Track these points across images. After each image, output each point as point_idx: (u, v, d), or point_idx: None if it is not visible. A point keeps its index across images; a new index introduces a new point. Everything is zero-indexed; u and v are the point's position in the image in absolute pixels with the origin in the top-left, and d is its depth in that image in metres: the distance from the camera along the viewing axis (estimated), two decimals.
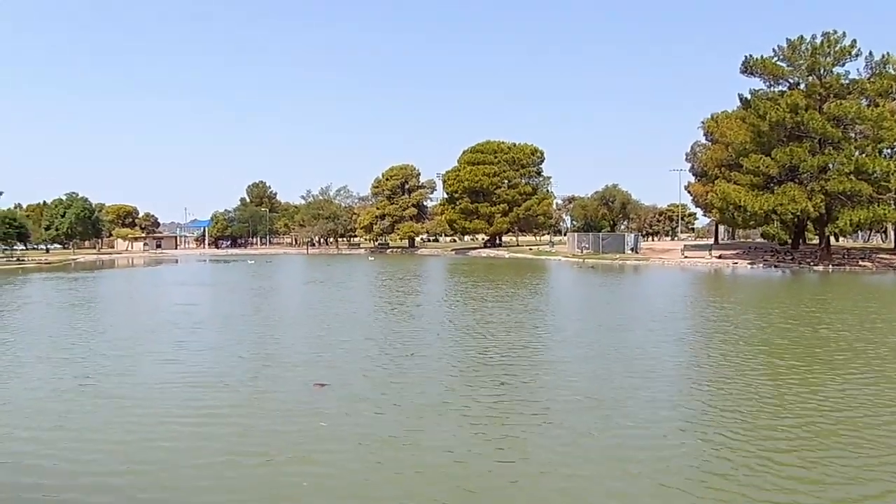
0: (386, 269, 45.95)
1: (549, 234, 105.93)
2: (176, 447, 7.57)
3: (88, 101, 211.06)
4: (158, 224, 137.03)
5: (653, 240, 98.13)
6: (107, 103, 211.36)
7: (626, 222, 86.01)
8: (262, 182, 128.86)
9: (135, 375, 11.39)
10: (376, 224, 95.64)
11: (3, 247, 71.54)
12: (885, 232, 71.53)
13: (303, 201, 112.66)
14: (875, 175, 44.91)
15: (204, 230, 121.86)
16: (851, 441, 7.72)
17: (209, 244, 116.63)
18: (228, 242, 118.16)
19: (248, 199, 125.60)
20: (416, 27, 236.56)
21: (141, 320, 19.17)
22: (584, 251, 65.71)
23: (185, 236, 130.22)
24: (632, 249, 64.14)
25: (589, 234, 72.02)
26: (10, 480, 6.63)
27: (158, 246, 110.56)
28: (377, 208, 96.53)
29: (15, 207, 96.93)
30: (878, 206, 45.71)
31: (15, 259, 67.46)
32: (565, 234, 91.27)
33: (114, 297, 27.89)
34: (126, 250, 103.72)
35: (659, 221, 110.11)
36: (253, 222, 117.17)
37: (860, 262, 50.37)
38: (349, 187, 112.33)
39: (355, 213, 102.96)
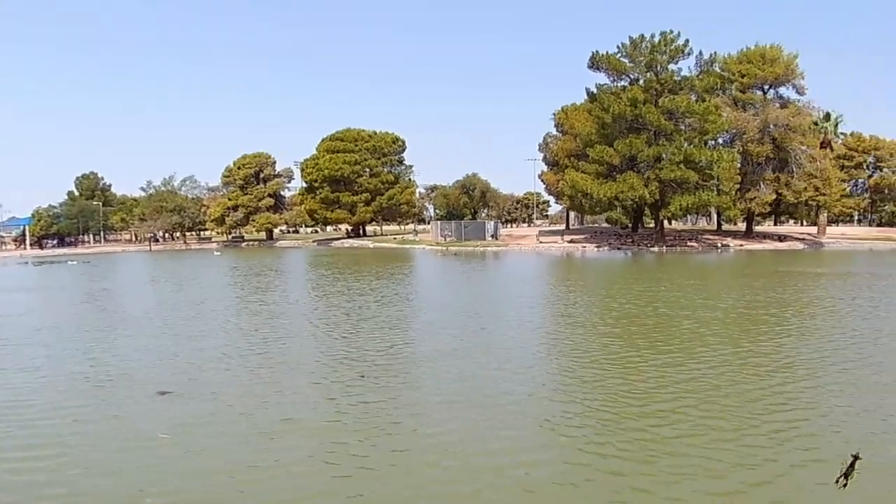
0: (239, 265, 44.34)
1: (412, 222, 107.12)
2: None
3: None
4: None
5: (511, 226, 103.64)
6: None
7: (486, 210, 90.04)
8: (93, 173, 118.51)
9: None
10: (228, 216, 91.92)
11: None
12: (709, 215, 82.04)
13: (143, 193, 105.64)
14: (701, 164, 51.36)
15: (24, 229, 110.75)
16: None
17: (31, 244, 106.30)
18: (55, 241, 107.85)
19: (77, 193, 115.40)
20: (271, 10, 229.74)
21: None
22: (447, 239, 68.46)
23: (1, 236, 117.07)
24: (492, 236, 67.76)
25: (451, 222, 74.65)
26: None
27: None
28: (229, 199, 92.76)
29: None
30: (703, 192, 52.46)
31: None
32: (429, 223, 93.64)
33: None
34: None
35: (516, 209, 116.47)
36: (83, 218, 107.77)
37: (689, 243, 57.86)
38: (196, 177, 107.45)
39: (204, 205, 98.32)
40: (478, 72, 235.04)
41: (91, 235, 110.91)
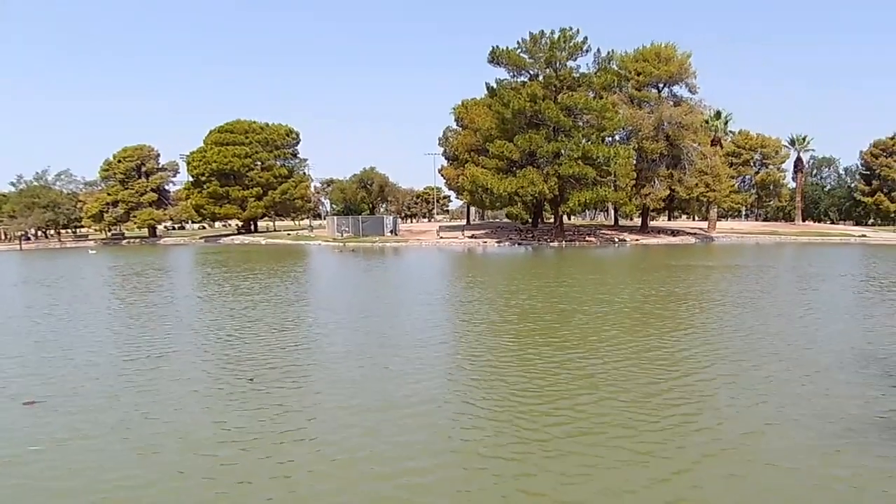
0: (118, 263, 40.84)
1: (307, 218, 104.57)
2: None
3: None
4: None
5: (411, 222, 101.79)
6: None
7: (384, 205, 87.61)
8: None
9: None
10: (107, 212, 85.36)
11: None
12: (606, 210, 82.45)
13: (13, 188, 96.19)
14: (598, 160, 51.32)
15: None
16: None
17: None
18: None
19: None
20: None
21: None
22: (345, 234, 66.33)
23: None
24: (391, 231, 66.23)
25: (349, 217, 72.44)
26: None
27: None
28: (108, 194, 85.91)
29: None
30: (601, 187, 52.39)
31: None
32: (325, 218, 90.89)
33: None
34: None
35: (416, 203, 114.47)
36: None
37: (587, 238, 57.41)
38: (72, 171, 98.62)
39: (81, 201, 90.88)
40: (376, 63, 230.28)
41: None
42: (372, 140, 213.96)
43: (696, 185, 57.89)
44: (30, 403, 9.26)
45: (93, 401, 9.39)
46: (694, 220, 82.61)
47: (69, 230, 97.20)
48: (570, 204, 53.21)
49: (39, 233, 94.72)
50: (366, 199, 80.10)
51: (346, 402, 9.04)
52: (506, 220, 76.81)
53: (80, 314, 18.26)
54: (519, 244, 54.81)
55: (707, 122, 61.56)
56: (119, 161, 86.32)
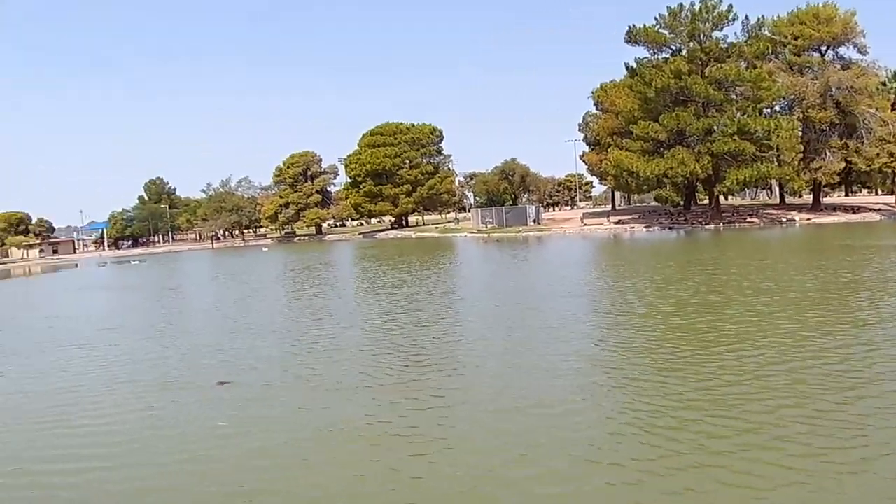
0: (290, 259, 43.08)
1: (453, 211, 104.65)
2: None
3: None
4: (53, 229, 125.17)
5: (553, 210, 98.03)
6: None
7: (526, 195, 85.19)
8: (159, 178, 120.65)
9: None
10: (281, 213, 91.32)
11: None
12: (770, 188, 73.26)
13: (204, 195, 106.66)
14: (757, 134, 45.04)
15: (102, 232, 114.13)
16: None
17: (109, 245, 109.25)
18: (129, 242, 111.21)
19: (146, 197, 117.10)
20: (301, 13, 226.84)
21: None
22: (489, 226, 64.33)
23: (84, 239, 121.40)
24: (534, 221, 63.44)
25: (492, 208, 70.64)
26: None
27: (55, 252, 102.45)
28: (280, 197, 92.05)
29: None
30: (762, 163, 45.88)
31: None
32: (469, 211, 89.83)
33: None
34: (21, 259, 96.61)
35: (558, 192, 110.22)
36: (153, 220, 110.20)
37: (748, 219, 50.69)
38: (250, 177, 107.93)
39: (259, 204, 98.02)
40: (510, 55, 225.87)
41: (160, 236, 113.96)
42: (512, 131, 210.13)
43: (878, 154, 48.86)
44: (222, 383, 9.65)
45: (276, 382, 9.46)
46: (877, 194, 70.72)
47: (250, 230, 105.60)
48: (726, 183, 47.16)
49: (226, 233, 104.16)
50: (508, 190, 78.38)
51: (492, 399, 7.85)
52: (654, 203, 71.03)
53: (265, 304, 19.26)
54: (670, 228, 49.67)
55: (884, 84, 52.35)
56: (288, 167, 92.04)
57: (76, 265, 67.89)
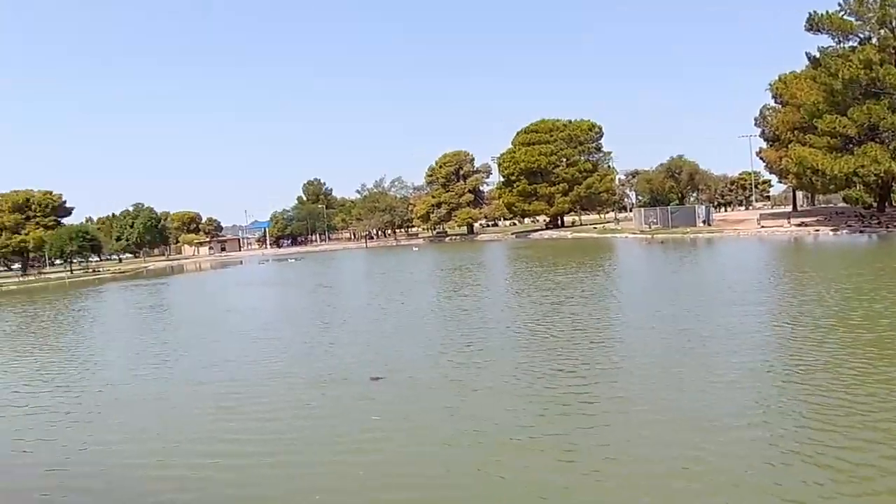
0: (442, 258, 46.48)
1: (613, 211, 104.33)
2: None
3: (142, 115, 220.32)
4: (221, 228, 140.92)
5: (725, 210, 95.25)
6: (161, 116, 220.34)
7: (695, 194, 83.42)
8: (317, 179, 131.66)
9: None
10: (433, 213, 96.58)
11: (80, 259, 75.49)
12: None
13: (358, 195, 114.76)
14: None
15: (264, 231, 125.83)
16: None
17: (270, 244, 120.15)
18: (289, 241, 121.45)
19: (304, 198, 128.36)
20: (452, 14, 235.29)
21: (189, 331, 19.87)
22: (652, 226, 64.39)
23: (247, 238, 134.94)
24: (703, 222, 62.66)
25: (656, 208, 70.19)
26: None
27: (223, 249, 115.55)
28: (433, 197, 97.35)
29: (86, 221, 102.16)
30: None
31: (91, 270, 72.81)
32: (630, 210, 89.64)
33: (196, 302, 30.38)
34: (193, 255, 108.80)
35: (731, 191, 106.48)
36: (311, 219, 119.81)
37: None
38: (403, 178, 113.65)
39: (411, 204, 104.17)
40: (676, 47, 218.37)
41: (317, 235, 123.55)
42: (679, 127, 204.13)
43: None
44: (376, 379, 10.70)
45: (426, 380, 10.43)
46: None
47: (403, 229, 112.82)
48: None
49: (379, 232, 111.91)
50: (674, 189, 77.43)
51: (653, 409, 8.08)
52: (842, 204, 67.94)
53: (413, 304, 20.92)
54: (860, 232, 48.18)
55: None
56: (440, 166, 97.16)
57: (241, 262, 76.83)
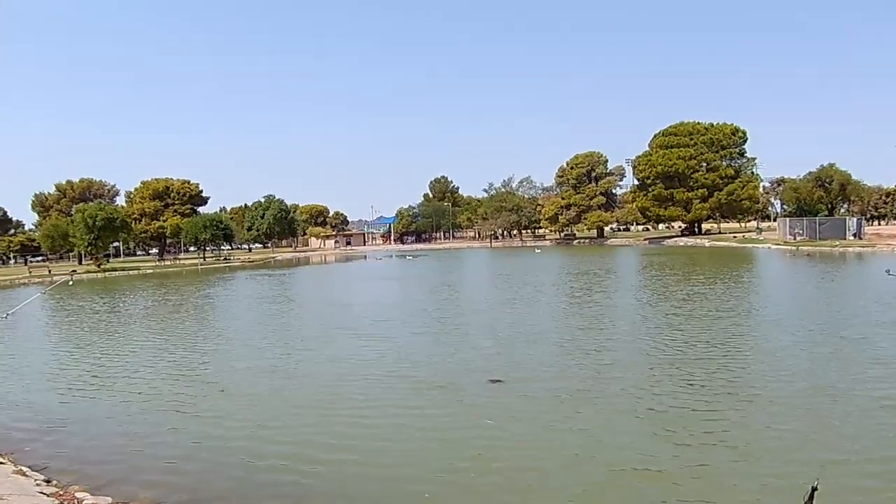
0: (568, 262, 46.68)
1: (755, 220, 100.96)
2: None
3: (276, 113, 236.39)
4: (347, 222, 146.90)
5: (879, 224, 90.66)
6: (296, 114, 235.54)
7: (846, 205, 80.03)
8: (444, 177, 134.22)
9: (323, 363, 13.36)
10: (562, 214, 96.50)
11: (213, 247, 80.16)
12: None
13: (485, 194, 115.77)
14: None
15: (389, 226, 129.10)
16: None
17: (395, 240, 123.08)
18: (413, 237, 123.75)
19: (430, 195, 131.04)
20: (595, 12, 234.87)
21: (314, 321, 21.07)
22: (798, 238, 62.80)
23: (373, 233, 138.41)
24: (854, 235, 60.29)
25: (803, 219, 67.68)
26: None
27: (348, 243, 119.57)
28: (562, 198, 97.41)
29: (220, 211, 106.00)
30: None
31: (223, 258, 76.71)
32: (774, 220, 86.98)
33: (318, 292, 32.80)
34: (319, 248, 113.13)
35: (886, 203, 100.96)
36: (436, 217, 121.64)
37: None
38: (532, 178, 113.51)
39: (539, 205, 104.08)
40: (828, 47, 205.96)
41: (442, 233, 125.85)
42: (830, 134, 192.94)
43: None
44: (495, 381, 10.95)
45: (545, 386, 10.58)
46: None
47: (529, 230, 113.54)
48: None
49: (505, 233, 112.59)
50: (823, 199, 74.48)
51: (798, 443, 7.66)
52: None
53: (535, 308, 21.37)
54: None
55: None
56: (571, 168, 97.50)
57: (364, 257, 79.66)
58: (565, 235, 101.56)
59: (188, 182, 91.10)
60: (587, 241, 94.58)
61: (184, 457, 8.08)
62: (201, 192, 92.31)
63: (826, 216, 69.84)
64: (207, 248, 79.96)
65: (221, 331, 19.11)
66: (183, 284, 40.12)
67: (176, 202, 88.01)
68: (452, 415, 9.28)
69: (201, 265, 65.17)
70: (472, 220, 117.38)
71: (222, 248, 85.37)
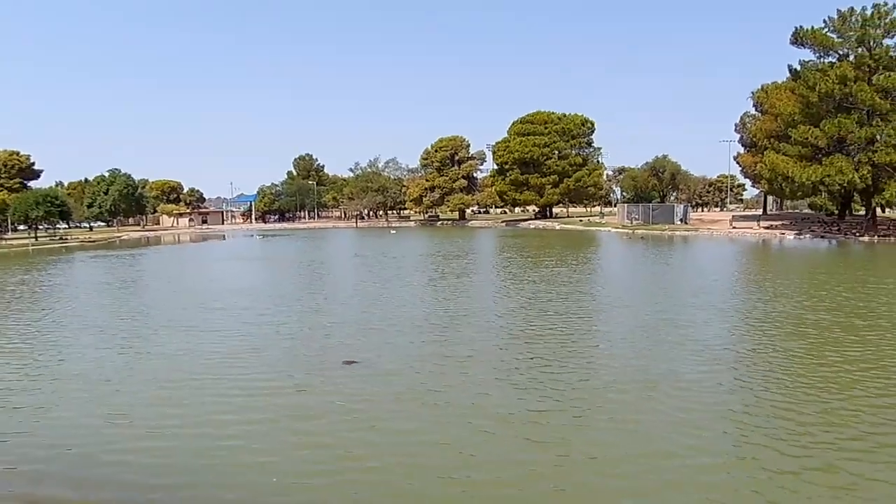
0: (434, 242, 49.12)
1: (599, 205, 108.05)
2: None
3: (129, 79, 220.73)
4: (204, 199, 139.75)
5: (702, 210, 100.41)
6: (148, 81, 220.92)
7: (675, 193, 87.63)
8: (308, 155, 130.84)
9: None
10: (426, 196, 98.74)
11: (46, 225, 73.52)
12: None
13: (351, 174, 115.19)
14: None
15: (251, 205, 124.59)
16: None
17: (256, 219, 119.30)
18: (276, 217, 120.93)
19: (295, 173, 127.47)
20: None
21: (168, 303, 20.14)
22: (634, 222, 68.87)
23: (232, 211, 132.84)
24: (681, 220, 66.90)
25: (639, 205, 74.07)
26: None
27: (204, 222, 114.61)
28: (427, 180, 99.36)
29: (56, 185, 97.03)
30: None
31: (58, 238, 70.44)
32: (615, 206, 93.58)
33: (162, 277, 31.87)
34: (171, 226, 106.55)
35: (708, 192, 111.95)
36: (300, 196, 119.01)
37: None
38: (398, 159, 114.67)
39: (405, 186, 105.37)
40: (667, 52, 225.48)
41: (306, 212, 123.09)
42: (665, 128, 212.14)
43: None
44: (349, 363, 11.07)
45: (393, 365, 10.98)
46: None
47: (394, 211, 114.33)
48: (885, 195, 49.31)
49: (370, 213, 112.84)
50: (657, 187, 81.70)
51: (580, 410, 8.66)
52: (807, 210, 72.24)
53: (393, 288, 22.25)
54: (822, 237, 52.81)
55: None
56: (436, 150, 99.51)
57: (223, 236, 76.18)
58: (429, 217, 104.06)
59: (17, 153, 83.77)
60: (450, 222, 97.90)
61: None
62: (33, 164, 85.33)
63: (658, 203, 76.72)
64: (40, 227, 73.07)
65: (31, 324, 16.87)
66: (2, 268, 36.52)
67: (3, 176, 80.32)
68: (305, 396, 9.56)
69: (32, 246, 60.24)
70: (337, 200, 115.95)
71: (58, 226, 77.84)
